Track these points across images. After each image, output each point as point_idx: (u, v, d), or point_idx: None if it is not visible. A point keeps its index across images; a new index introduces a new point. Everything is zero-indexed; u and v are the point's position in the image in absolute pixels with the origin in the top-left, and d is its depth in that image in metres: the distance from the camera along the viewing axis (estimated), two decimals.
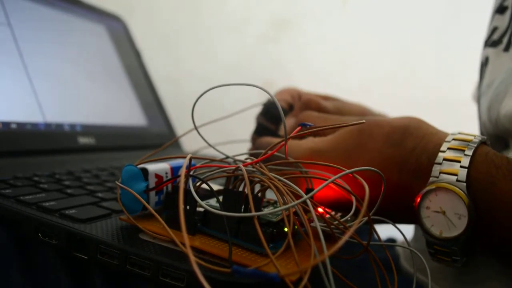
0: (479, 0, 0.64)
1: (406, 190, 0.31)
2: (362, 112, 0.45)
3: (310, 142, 0.35)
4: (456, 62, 0.95)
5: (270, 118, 0.44)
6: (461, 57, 0.85)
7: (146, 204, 0.26)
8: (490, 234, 0.28)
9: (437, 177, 0.28)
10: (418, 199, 0.29)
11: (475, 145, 0.29)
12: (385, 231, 0.33)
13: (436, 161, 0.29)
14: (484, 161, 0.28)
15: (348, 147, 0.33)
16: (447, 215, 0.28)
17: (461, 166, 0.28)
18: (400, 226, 0.30)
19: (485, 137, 0.30)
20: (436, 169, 0.29)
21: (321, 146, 0.34)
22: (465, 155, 0.28)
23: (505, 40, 0.39)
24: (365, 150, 0.32)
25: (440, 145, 0.30)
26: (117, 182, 0.28)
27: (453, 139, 0.30)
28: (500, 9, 0.41)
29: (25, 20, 0.51)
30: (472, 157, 0.28)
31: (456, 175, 0.28)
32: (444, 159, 0.29)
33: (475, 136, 0.30)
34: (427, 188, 0.28)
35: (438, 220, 0.28)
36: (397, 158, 0.31)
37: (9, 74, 0.46)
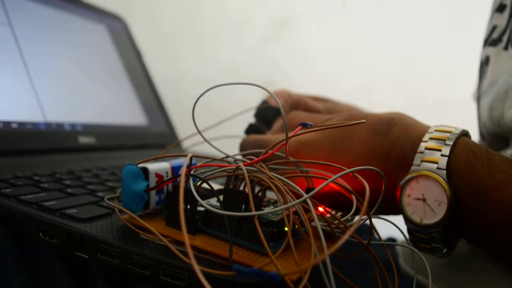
0: (479, 0, 0.64)
1: (391, 180, 0.31)
2: (352, 111, 0.46)
3: (293, 139, 0.35)
4: (456, 62, 0.95)
5: (262, 120, 0.44)
6: (461, 57, 0.85)
7: (140, 220, 0.26)
8: (469, 222, 0.29)
9: (419, 165, 0.29)
10: (400, 187, 0.30)
11: (456, 136, 0.30)
12: (385, 230, 0.33)
13: (419, 150, 0.30)
14: (464, 150, 0.29)
15: (335, 138, 0.34)
16: (428, 202, 0.29)
17: (441, 155, 0.29)
18: (400, 225, 0.31)
19: (466, 130, 0.31)
20: (417, 157, 0.30)
21: (309, 137, 0.35)
22: (445, 144, 0.29)
23: (504, 38, 0.39)
24: (352, 141, 0.33)
25: (423, 135, 0.31)
26: (106, 200, 0.28)
27: (435, 130, 0.31)
28: (500, 8, 0.41)
29: (26, 20, 0.51)
30: (453, 147, 0.29)
31: (436, 163, 0.29)
32: (426, 148, 0.30)
33: (456, 128, 0.31)
34: (409, 176, 0.29)
35: (418, 207, 0.29)
36: (383, 148, 0.32)
37: (10, 73, 0.46)
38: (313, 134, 0.35)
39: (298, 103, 0.44)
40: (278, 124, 0.43)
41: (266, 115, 0.44)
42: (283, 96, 0.46)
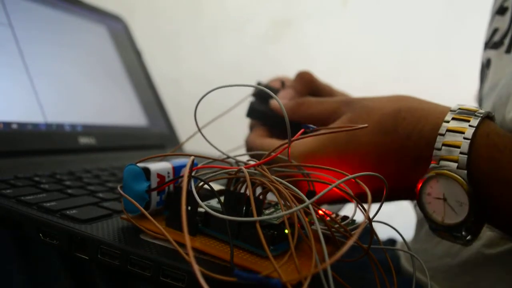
0: (479, 1, 0.64)
1: (407, 177, 0.30)
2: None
3: (301, 146, 0.34)
4: (456, 62, 0.96)
5: (261, 98, 0.44)
6: (462, 57, 0.85)
7: (146, 213, 0.26)
8: (495, 217, 0.28)
9: (438, 163, 0.28)
10: (419, 185, 0.28)
11: (476, 125, 0.27)
12: (385, 231, 0.33)
13: (436, 146, 0.28)
14: (486, 144, 0.27)
15: (340, 143, 0.32)
16: (448, 202, 0.27)
17: (461, 152, 0.27)
18: (400, 227, 0.30)
19: (487, 111, 0.29)
20: (436, 154, 0.28)
21: (313, 147, 0.33)
22: (464, 138, 0.27)
23: (506, 41, 0.39)
24: (358, 145, 0.32)
25: (438, 126, 0.28)
26: (118, 189, 0.28)
27: (453, 118, 0.28)
28: (501, 10, 0.41)
29: (26, 21, 0.51)
30: (473, 140, 0.27)
31: (456, 161, 0.27)
32: (443, 144, 0.27)
33: (476, 111, 0.28)
34: (428, 175, 0.28)
35: (439, 206, 0.28)
36: (393, 146, 0.30)
37: (10, 74, 0.46)
38: (316, 142, 0.34)
39: (303, 75, 0.42)
40: (286, 92, 0.41)
41: (263, 93, 0.44)
42: (280, 79, 0.46)
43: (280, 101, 0.25)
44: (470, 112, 0.28)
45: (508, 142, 0.27)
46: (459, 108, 0.29)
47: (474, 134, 0.27)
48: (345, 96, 0.44)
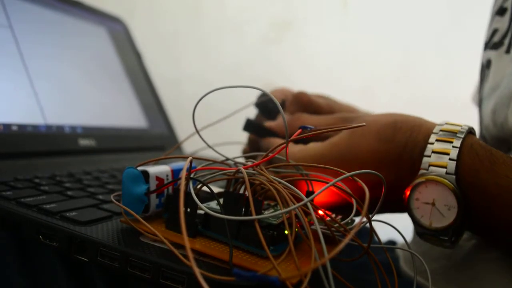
0: (479, 2, 0.64)
1: (401, 187, 0.31)
2: (352, 111, 0.45)
3: (301, 153, 0.35)
4: (456, 63, 0.96)
5: (263, 111, 0.44)
6: (462, 58, 0.85)
7: (140, 219, 0.26)
8: (476, 219, 0.29)
9: (427, 169, 0.29)
10: (408, 191, 0.30)
11: (462, 136, 0.29)
12: (385, 232, 0.33)
13: (425, 153, 0.29)
14: (469, 153, 0.29)
15: (341, 151, 0.33)
16: (437, 206, 0.29)
17: (450, 159, 0.28)
18: (401, 228, 0.31)
19: (471, 126, 0.31)
20: (425, 161, 0.29)
21: (313, 154, 0.34)
22: (453, 147, 0.29)
23: (506, 41, 0.39)
24: (359, 151, 0.33)
25: (429, 136, 0.30)
26: (112, 198, 0.28)
27: (441, 130, 0.30)
28: (500, 11, 0.41)
29: (26, 22, 0.52)
30: (460, 148, 0.29)
31: (445, 167, 0.28)
32: (433, 152, 0.29)
33: (461, 126, 0.30)
34: (417, 180, 0.29)
35: (427, 211, 0.29)
36: (392, 156, 0.32)
37: (10, 76, 0.46)
38: (320, 148, 0.35)
39: (300, 97, 0.43)
40: (282, 118, 0.42)
41: (268, 105, 0.44)
42: (283, 93, 0.46)
43: (284, 116, 0.26)
44: (456, 126, 0.30)
45: (488, 154, 0.28)
46: (446, 123, 0.31)
47: (462, 143, 0.29)
48: (342, 113, 0.44)
